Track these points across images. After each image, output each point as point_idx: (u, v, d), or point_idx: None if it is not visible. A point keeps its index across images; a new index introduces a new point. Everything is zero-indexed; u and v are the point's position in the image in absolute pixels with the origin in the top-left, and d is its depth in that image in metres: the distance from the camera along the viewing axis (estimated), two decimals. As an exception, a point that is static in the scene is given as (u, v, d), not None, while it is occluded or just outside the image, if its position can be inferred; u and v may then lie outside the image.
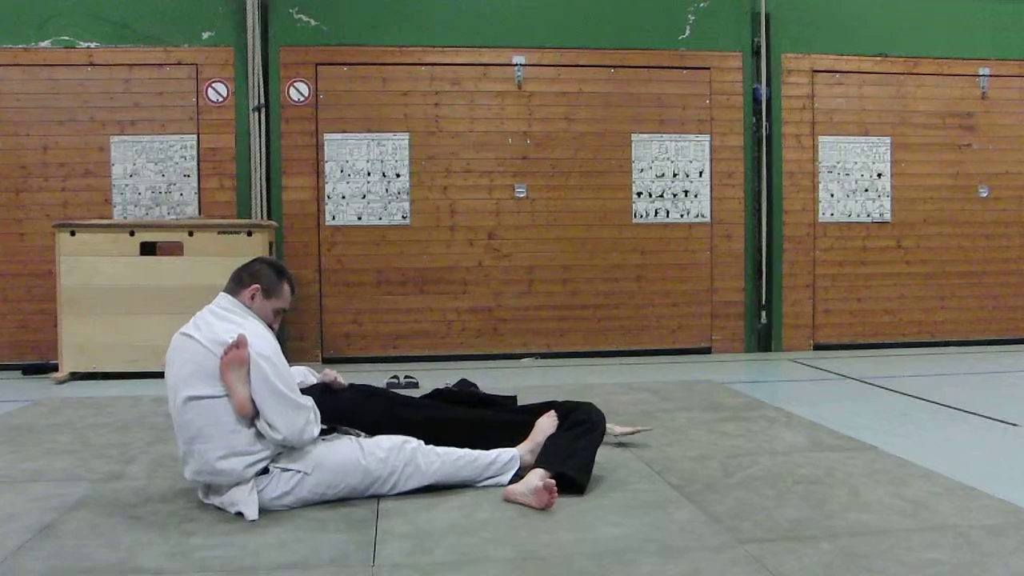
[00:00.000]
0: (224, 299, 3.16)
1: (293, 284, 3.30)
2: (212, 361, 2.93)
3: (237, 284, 3.18)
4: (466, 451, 3.22)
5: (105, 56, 6.66)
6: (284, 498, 2.99)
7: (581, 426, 3.30)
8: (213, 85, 6.74)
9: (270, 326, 3.16)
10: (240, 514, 2.92)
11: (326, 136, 6.84)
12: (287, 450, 3.02)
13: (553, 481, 2.97)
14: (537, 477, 3.02)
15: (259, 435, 2.96)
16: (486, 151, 6.98)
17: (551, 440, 3.24)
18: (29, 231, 6.61)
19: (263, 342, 2.99)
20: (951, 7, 7.38)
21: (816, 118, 7.31)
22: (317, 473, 3.01)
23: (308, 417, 2.99)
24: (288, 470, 2.99)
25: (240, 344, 2.90)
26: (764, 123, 7.22)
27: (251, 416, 2.94)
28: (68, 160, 6.66)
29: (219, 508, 3.00)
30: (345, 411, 3.29)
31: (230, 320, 3.04)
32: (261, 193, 6.72)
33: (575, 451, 3.19)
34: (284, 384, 2.96)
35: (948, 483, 3.27)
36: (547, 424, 3.32)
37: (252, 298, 3.14)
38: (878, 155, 7.39)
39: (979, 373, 6.22)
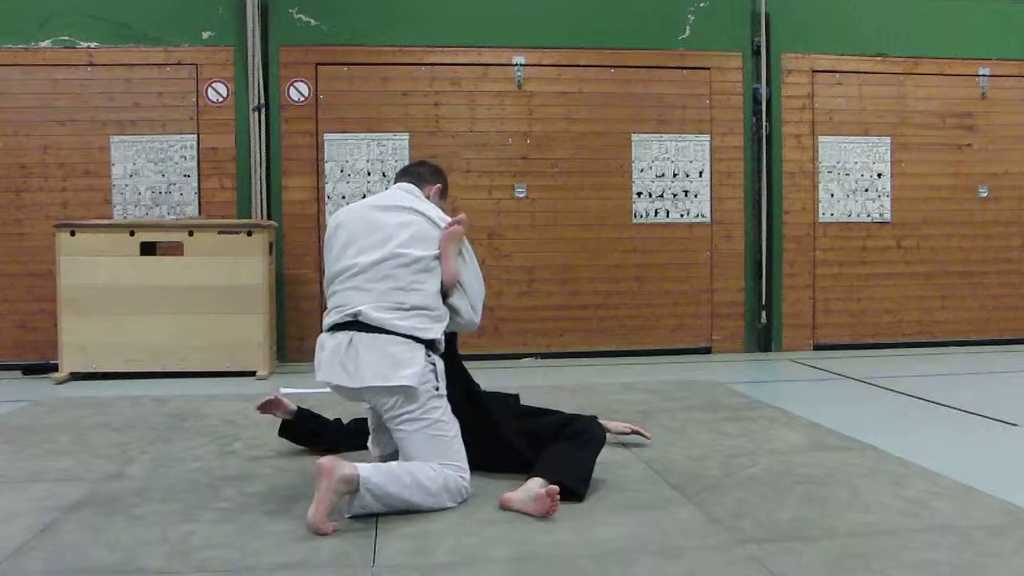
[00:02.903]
0: (413, 188, 3.36)
1: None
2: (434, 232, 3.14)
3: (420, 179, 3.42)
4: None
5: (105, 56, 6.66)
6: (427, 384, 3.00)
7: (581, 436, 3.26)
8: (213, 85, 6.74)
9: None
10: (403, 385, 2.94)
11: (326, 136, 6.84)
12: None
13: (556, 487, 2.89)
14: (537, 484, 2.98)
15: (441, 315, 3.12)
16: (486, 151, 6.98)
17: (550, 450, 3.20)
18: (29, 231, 6.61)
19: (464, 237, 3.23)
20: (951, 7, 7.37)
21: (816, 118, 7.31)
22: (442, 411, 3.05)
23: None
24: (434, 371, 3.05)
25: (462, 222, 3.18)
26: (764, 123, 7.22)
27: (451, 287, 3.15)
28: (68, 160, 6.66)
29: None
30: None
31: (432, 207, 3.26)
32: (261, 193, 6.72)
33: (575, 460, 3.15)
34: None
35: (948, 483, 3.26)
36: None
37: (436, 194, 3.41)
38: (878, 155, 7.39)
39: (979, 373, 6.22)
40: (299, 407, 3.80)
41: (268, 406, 3.74)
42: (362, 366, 2.97)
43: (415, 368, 2.96)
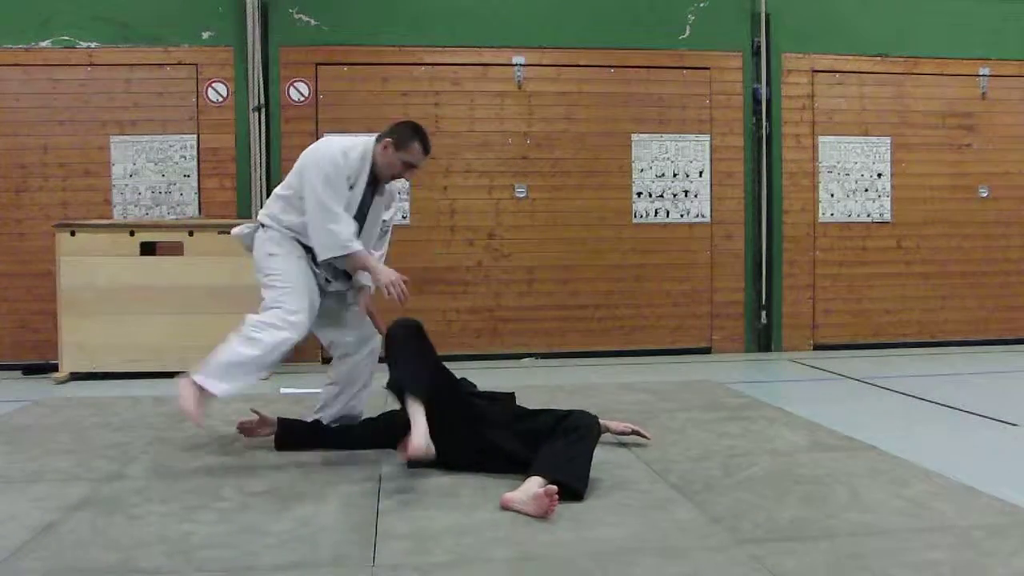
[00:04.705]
0: (370, 140, 3.72)
1: (426, 144, 3.75)
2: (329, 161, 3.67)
3: (382, 133, 3.73)
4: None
5: (105, 56, 6.66)
6: (261, 249, 3.83)
7: (575, 432, 3.26)
8: (213, 85, 6.74)
9: (397, 176, 3.76)
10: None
11: (326, 136, 6.83)
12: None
13: (555, 487, 2.89)
14: (535, 484, 2.98)
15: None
16: (486, 151, 6.98)
17: (547, 448, 3.20)
18: (29, 231, 6.61)
19: (328, 161, 3.61)
20: (951, 7, 7.38)
21: (816, 118, 7.31)
22: (277, 270, 3.74)
23: (338, 223, 3.57)
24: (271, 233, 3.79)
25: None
26: (764, 123, 7.22)
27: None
28: (68, 160, 6.65)
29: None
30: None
31: (352, 143, 3.73)
32: (261, 193, 6.71)
33: (571, 458, 3.14)
34: (326, 193, 3.57)
35: (948, 483, 3.27)
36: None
37: (384, 149, 3.66)
38: (878, 155, 7.39)
39: (979, 373, 6.22)
40: (279, 417, 3.86)
41: (250, 431, 3.86)
42: None
43: (240, 229, 4.00)
